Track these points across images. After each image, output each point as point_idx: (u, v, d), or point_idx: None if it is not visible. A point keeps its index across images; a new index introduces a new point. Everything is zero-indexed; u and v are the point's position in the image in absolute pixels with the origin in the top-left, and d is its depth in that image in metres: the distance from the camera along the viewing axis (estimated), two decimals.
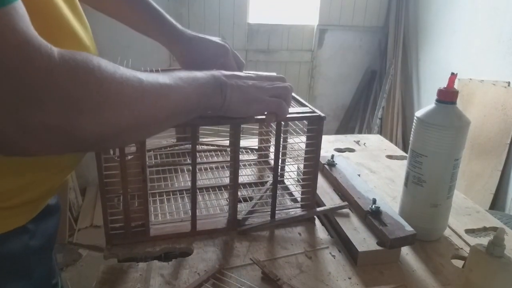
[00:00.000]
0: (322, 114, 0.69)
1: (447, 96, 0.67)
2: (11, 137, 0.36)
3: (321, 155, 0.75)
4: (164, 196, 0.81)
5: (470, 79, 2.28)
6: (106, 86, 0.40)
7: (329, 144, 1.16)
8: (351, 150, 1.15)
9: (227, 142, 0.96)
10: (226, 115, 0.60)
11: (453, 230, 0.77)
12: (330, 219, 0.76)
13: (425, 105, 0.71)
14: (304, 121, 0.71)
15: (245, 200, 0.81)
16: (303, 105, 0.75)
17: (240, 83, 0.59)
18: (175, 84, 0.50)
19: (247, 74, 0.63)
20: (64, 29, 0.48)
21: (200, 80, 0.55)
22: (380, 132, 2.98)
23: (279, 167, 0.75)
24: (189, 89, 0.52)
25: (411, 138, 0.72)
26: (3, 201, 0.49)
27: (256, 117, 0.65)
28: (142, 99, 0.45)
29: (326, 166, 0.90)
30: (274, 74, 0.69)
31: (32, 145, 0.38)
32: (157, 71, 0.82)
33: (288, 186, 0.87)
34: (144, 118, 0.46)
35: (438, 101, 0.68)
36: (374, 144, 1.20)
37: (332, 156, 0.93)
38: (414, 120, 0.70)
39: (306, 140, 0.72)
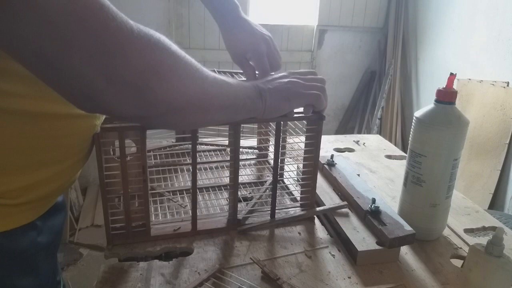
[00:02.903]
0: (322, 114, 0.70)
1: (446, 96, 0.67)
2: (99, 89, 0.40)
3: (320, 155, 0.75)
4: (165, 196, 0.81)
5: (469, 79, 2.29)
6: (176, 60, 0.46)
7: (328, 144, 1.17)
8: (350, 150, 1.16)
9: (226, 142, 0.97)
10: (272, 116, 0.64)
11: (452, 230, 0.77)
12: (329, 218, 0.76)
13: (424, 105, 0.71)
14: (304, 121, 0.72)
15: (245, 199, 0.81)
16: None
17: (275, 84, 0.63)
18: (226, 80, 0.55)
19: (279, 75, 0.66)
20: None
21: (244, 83, 0.60)
22: (380, 132, 2.98)
23: (279, 166, 0.75)
24: (238, 87, 0.57)
25: (410, 138, 0.72)
26: (13, 199, 0.50)
27: (293, 114, 0.67)
28: (204, 81, 0.50)
29: (326, 166, 0.91)
30: (306, 70, 0.72)
31: (114, 99, 0.42)
32: None
33: (288, 185, 0.87)
34: (203, 99, 0.51)
35: (437, 101, 0.68)
36: (374, 144, 1.21)
37: (332, 156, 0.93)
38: (413, 120, 0.70)
39: (306, 140, 0.72)
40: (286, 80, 0.64)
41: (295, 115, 0.69)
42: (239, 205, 0.73)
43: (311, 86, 0.66)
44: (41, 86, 0.46)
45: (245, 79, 0.75)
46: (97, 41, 0.37)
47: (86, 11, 0.36)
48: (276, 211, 0.75)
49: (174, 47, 0.46)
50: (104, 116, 0.61)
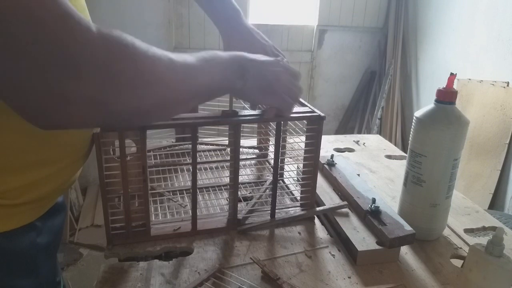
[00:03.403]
0: (322, 114, 0.70)
1: (446, 96, 0.67)
2: (53, 108, 0.37)
3: (320, 155, 0.75)
4: (165, 196, 0.81)
5: (469, 79, 2.29)
6: (140, 62, 0.42)
7: (328, 144, 1.17)
8: (350, 150, 1.16)
9: (226, 142, 0.97)
10: (241, 98, 0.63)
11: (452, 230, 0.77)
12: (329, 218, 0.76)
13: (424, 105, 0.71)
14: (304, 121, 0.72)
15: (245, 199, 0.81)
16: (303, 105, 0.75)
17: (262, 69, 0.61)
18: (200, 66, 0.52)
19: (270, 60, 0.63)
20: None
21: (224, 64, 0.56)
22: (380, 132, 2.98)
23: (279, 166, 0.75)
24: (214, 71, 0.54)
25: (410, 138, 0.72)
26: (12, 199, 0.49)
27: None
28: (172, 77, 0.47)
29: (326, 166, 0.91)
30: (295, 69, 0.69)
31: (72, 116, 0.39)
32: None
33: (288, 185, 0.87)
34: (173, 96, 0.48)
35: (437, 101, 0.68)
36: (374, 144, 1.21)
37: (332, 156, 0.93)
38: (413, 120, 0.70)
39: (306, 139, 0.72)
40: (271, 70, 0.62)
41: (294, 115, 0.69)
42: (239, 205, 0.73)
43: (292, 91, 0.64)
44: None
45: None
46: (52, 56, 0.35)
47: (43, 19, 0.33)
48: (276, 211, 0.75)
49: (140, 48, 0.42)
50: None
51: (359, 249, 0.65)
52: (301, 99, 0.78)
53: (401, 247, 0.68)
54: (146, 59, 0.43)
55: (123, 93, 0.41)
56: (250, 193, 0.84)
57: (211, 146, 1.02)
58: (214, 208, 0.78)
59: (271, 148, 0.94)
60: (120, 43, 0.40)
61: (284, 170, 0.88)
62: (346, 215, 0.75)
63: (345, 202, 0.77)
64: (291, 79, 0.65)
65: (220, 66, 0.56)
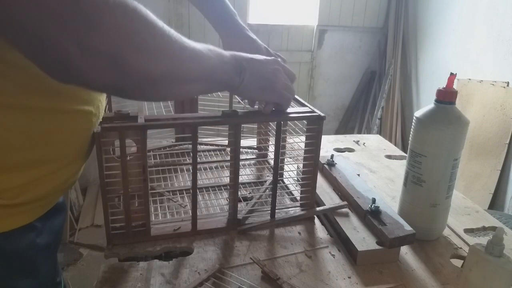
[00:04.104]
0: (322, 114, 0.70)
1: (446, 96, 0.67)
2: (70, 58, 0.39)
3: (320, 155, 0.75)
4: (165, 196, 0.81)
5: (469, 79, 2.29)
6: (154, 29, 0.45)
7: (328, 144, 1.17)
8: (350, 150, 1.16)
9: (226, 142, 0.97)
10: (239, 95, 0.65)
11: (452, 230, 0.77)
12: (329, 218, 0.76)
13: (424, 105, 0.71)
14: (304, 121, 0.72)
15: (245, 199, 0.81)
16: (303, 105, 0.75)
17: (259, 67, 0.63)
18: (206, 53, 0.54)
19: (266, 59, 0.65)
20: None
21: (224, 58, 0.58)
22: (380, 132, 2.98)
23: (279, 166, 0.75)
24: (216, 62, 0.56)
25: (410, 138, 0.72)
26: (11, 198, 0.49)
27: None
28: (181, 52, 0.49)
29: (326, 166, 0.91)
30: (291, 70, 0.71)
31: (87, 69, 0.40)
32: None
33: (288, 185, 0.87)
34: (180, 70, 0.50)
35: (437, 101, 0.68)
36: (374, 144, 1.21)
37: (332, 156, 0.93)
38: (413, 120, 0.70)
39: (306, 139, 0.72)
40: (270, 68, 0.64)
41: (294, 115, 0.69)
42: (239, 205, 0.73)
43: (289, 87, 0.66)
44: (34, 81, 0.46)
45: None
46: (71, 7, 0.36)
47: None
48: (276, 211, 0.75)
49: (152, 16, 0.45)
50: (100, 115, 0.61)
51: (359, 249, 0.65)
52: (301, 99, 0.78)
53: (401, 247, 0.68)
54: (160, 29, 0.46)
55: (137, 53, 0.43)
56: (250, 193, 0.84)
57: (211, 146, 1.02)
58: (214, 208, 0.78)
59: (271, 148, 0.94)
60: (138, 9, 0.42)
61: (284, 170, 0.88)
62: (346, 215, 0.75)
63: (345, 202, 0.77)
64: (287, 79, 0.67)
65: (222, 59, 0.57)
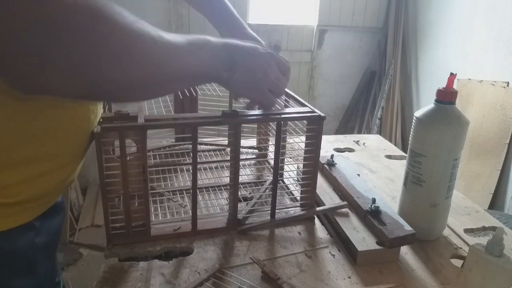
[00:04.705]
0: (322, 114, 0.70)
1: (446, 96, 0.67)
2: (33, 71, 0.37)
3: (320, 155, 0.75)
4: (165, 196, 0.81)
5: (469, 79, 2.29)
6: (124, 33, 0.41)
7: (328, 144, 1.17)
8: (350, 150, 1.16)
9: (226, 142, 0.97)
10: (225, 88, 0.63)
11: (452, 230, 0.77)
12: (329, 218, 0.76)
13: (424, 105, 0.71)
14: (304, 121, 0.72)
15: (245, 199, 0.81)
16: (303, 105, 0.75)
17: (251, 64, 0.60)
18: (189, 49, 0.51)
19: (262, 53, 0.63)
20: None
21: (214, 52, 0.55)
22: (380, 132, 2.98)
23: (279, 166, 0.75)
24: (202, 58, 0.54)
25: (410, 138, 0.72)
26: (9, 197, 0.49)
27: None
28: (157, 53, 0.46)
29: (326, 166, 0.91)
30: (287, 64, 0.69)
31: (52, 81, 0.38)
32: None
33: (288, 185, 0.87)
34: (156, 73, 0.47)
35: (437, 101, 0.68)
36: (374, 144, 1.21)
37: (332, 156, 0.93)
38: (413, 120, 0.70)
39: (306, 139, 0.72)
40: (263, 65, 0.61)
41: (294, 115, 0.69)
42: (239, 205, 0.73)
43: (277, 87, 0.65)
44: None
45: None
46: (32, 14, 0.34)
47: None
48: (276, 211, 0.75)
49: (127, 20, 0.41)
50: (98, 112, 0.61)
51: (359, 249, 0.65)
52: (301, 99, 0.78)
53: (401, 247, 0.68)
54: (131, 31, 0.42)
55: (105, 62, 0.40)
56: (250, 193, 0.84)
57: (211, 146, 1.02)
58: (214, 208, 0.78)
59: (271, 148, 0.94)
60: (105, 12, 0.39)
61: (284, 170, 0.88)
62: (346, 215, 0.75)
63: (345, 202, 0.77)
64: (279, 75, 0.65)
65: (209, 53, 0.55)
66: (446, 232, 0.76)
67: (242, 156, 0.96)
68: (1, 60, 0.36)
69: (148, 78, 0.47)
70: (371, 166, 1.04)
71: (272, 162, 0.76)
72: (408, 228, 0.67)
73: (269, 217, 0.75)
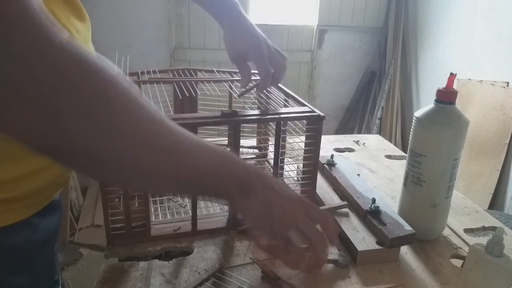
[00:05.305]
0: (322, 114, 0.70)
1: (446, 96, 0.67)
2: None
3: (320, 155, 0.75)
4: (164, 196, 0.81)
5: (469, 79, 2.29)
6: (115, 95, 0.35)
7: (328, 144, 1.17)
8: (350, 150, 1.16)
9: (226, 142, 0.97)
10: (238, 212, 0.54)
11: (452, 230, 0.77)
12: None
13: (424, 105, 0.71)
14: (304, 121, 0.72)
15: None
16: (303, 104, 0.75)
17: (272, 196, 0.47)
18: (199, 146, 0.42)
19: (290, 193, 0.50)
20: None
21: (232, 162, 0.45)
22: (380, 132, 2.98)
23: (279, 166, 0.75)
24: (213, 161, 0.44)
25: (410, 138, 0.72)
26: (6, 192, 0.49)
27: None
28: (156, 134, 0.38)
29: (326, 166, 0.91)
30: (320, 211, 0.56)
31: (14, 115, 0.32)
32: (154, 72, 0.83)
33: (288, 185, 0.87)
34: (149, 164, 0.38)
35: (437, 101, 0.68)
36: (374, 144, 1.21)
37: (332, 156, 0.93)
38: (413, 120, 0.70)
39: (306, 139, 0.72)
40: (285, 204, 0.48)
41: (294, 115, 0.69)
42: None
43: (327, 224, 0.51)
44: None
45: (241, 79, 0.75)
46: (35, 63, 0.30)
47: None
48: None
49: (119, 83, 0.35)
50: None
51: (359, 249, 0.65)
52: (301, 99, 0.78)
53: (401, 247, 0.68)
54: (131, 99, 0.36)
55: (79, 117, 0.33)
56: None
57: None
58: (214, 208, 0.78)
59: (271, 148, 0.94)
60: (94, 69, 0.33)
61: (284, 170, 0.88)
62: (346, 215, 0.75)
63: (345, 202, 0.77)
64: (308, 222, 0.49)
65: (226, 161, 0.45)
66: (446, 232, 0.76)
67: (242, 156, 0.96)
68: None
69: (136, 161, 0.37)
70: (371, 166, 1.04)
71: (272, 162, 0.76)
72: (408, 228, 0.67)
73: None
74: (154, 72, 0.90)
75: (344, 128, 3.20)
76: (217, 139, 1.04)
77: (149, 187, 0.46)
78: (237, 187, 0.45)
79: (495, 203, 2.09)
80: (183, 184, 0.43)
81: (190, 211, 0.71)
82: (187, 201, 0.79)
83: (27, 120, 0.32)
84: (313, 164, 0.73)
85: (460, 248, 0.72)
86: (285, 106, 0.78)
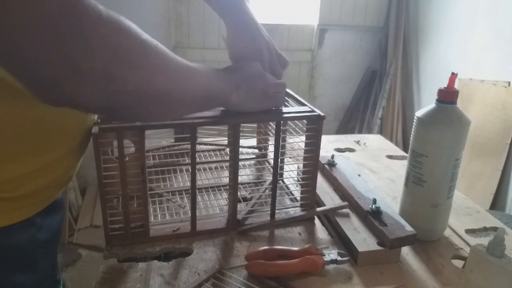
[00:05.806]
0: (322, 114, 0.69)
1: (448, 96, 0.67)
2: (64, 78, 0.38)
3: (321, 155, 0.75)
4: (164, 196, 0.80)
5: (471, 79, 2.28)
6: (148, 46, 0.44)
7: (329, 144, 1.16)
8: (351, 150, 1.15)
9: (226, 142, 0.96)
10: (239, 111, 0.65)
11: (453, 230, 0.77)
12: (330, 219, 0.76)
13: (425, 105, 0.71)
14: (304, 121, 0.71)
15: (244, 200, 0.80)
16: (303, 104, 0.75)
17: (250, 82, 0.64)
18: (200, 71, 0.55)
19: (251, 68, 0.66)
20: None
21: (219, 75, 0.60)
22: (380, 132, 2.97)
23: (279, 166, 0.75)
24: (212, 80, 0.57)
25: (411, 138, 0.71)
26: (10, 191, 0.49)
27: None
28: (176, 70, 0.50)
29: (326, 166, 0.90)
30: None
31: (81, 89, 0.39)
32: None
33: (288, 185, 0.87)
34: (175, 90, 0.50)
35: (439, 101, 0.68)
36: (375, 144, 1.20)
37: (332, 156, 0.93)
38: (414, 120, 0.70)
39: (306, 139, 0.72)
40: (260, 80, 0.65)
41: (294, 115, 0.68)
42: (238, 205, 0.73)
43: (277, 89, 0.68)
44: None
45: None
46: (60, 23, 0.35)
47: None
48: (276, 211, 0.75)
49: (145, 35, 0.44)
50: None
51: (359, 250, 0.64)
52: (301, 99, 0.78)
53: (402, 247, 0.67)
54: (153, 47, 0.45)
55: (130, 71, 0.42)
56: (250, 193, 0.83)
57: (210, 146, 1.02)
58: (214, 208, 0.78)
59: (271, 148, 0.94)
60: (125, 24, 0.42)
61: (284, 170, 0.88)
62: (346, 215, 0.74)
63: (346, 203, 0.77)
64: (273, 79, 0.68)
65: (215, 76, 0.59)
66: (447, 232, 0.75)
67: (242, 156, 0.96)
68: (31, 68, 0.36)
69: (168, 93, 0.49)
70: (372, 166, 1.04)
71: (272, 162, 0.75)
72: (409, 228, 0.67)
73: (269, 218, 0.74)
74: None
75: (344, 128, 3.20)
76: (217, 139, 1.04)
77: (175, 113, 0.56)
78: (233, 89, 0.61)
79: (497, 204, 2.09)
80: (198, 101, 0.56)
81: (189, 212, 0.70)
82: (186, 202, 0.79)
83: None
84: (313, 164, 0.72)
85: (462, 248, 0.71)
86: (285, 106, 0.77)
